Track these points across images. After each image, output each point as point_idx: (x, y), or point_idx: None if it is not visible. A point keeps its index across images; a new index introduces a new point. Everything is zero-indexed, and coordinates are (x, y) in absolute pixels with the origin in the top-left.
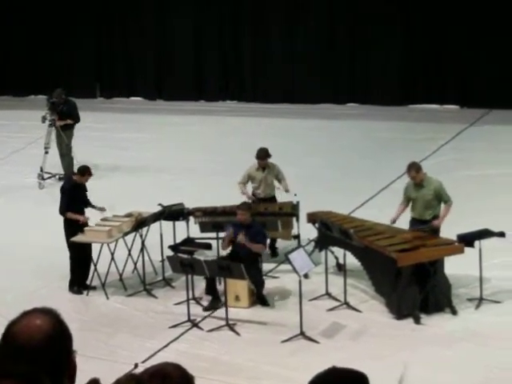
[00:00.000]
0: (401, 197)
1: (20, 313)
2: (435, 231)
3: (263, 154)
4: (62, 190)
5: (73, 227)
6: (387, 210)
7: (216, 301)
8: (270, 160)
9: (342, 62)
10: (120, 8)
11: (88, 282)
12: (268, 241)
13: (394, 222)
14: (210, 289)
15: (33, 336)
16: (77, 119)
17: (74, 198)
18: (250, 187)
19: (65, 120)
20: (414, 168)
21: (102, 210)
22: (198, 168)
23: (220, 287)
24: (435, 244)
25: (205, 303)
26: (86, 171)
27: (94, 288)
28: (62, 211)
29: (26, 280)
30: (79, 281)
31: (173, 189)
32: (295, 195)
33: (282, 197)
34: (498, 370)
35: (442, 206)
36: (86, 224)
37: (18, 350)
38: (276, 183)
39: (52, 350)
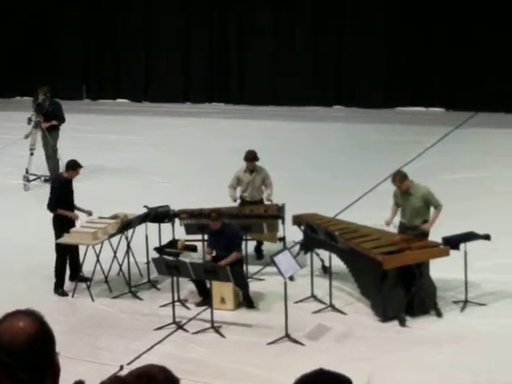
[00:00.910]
0: (386, 199)
1: (2, 315)
2: (425, 235)
3: (251, 156)
4: (52, 186)
5: (62, 227)
6: (373, 212)
7: (209, 299)
8: (260, 164)
9: (328, 64)
10: (107, 9)
11: (74, 283)
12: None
13: (388, 224)
14: (202, 291)
15: (15, 338)
16: (62, 120)
17: (63, 196)
18: (239, 190)
19: (50, 121)
20: (398, 178)
21: (89, 213)
22: (184, 170)
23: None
24: (421, 246)
25: (190, 305)
26: (75, 164)
27: (89, 279)
28: (52, 208)
29: (10, 282)
30: (64, 282)
31: (159, 190)
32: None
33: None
34: (484, 373)
35: (432, 210)
36: (73, 221)
37: (1, 352)
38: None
39: (35, 351)
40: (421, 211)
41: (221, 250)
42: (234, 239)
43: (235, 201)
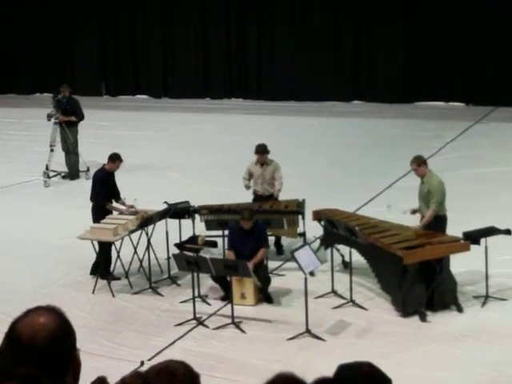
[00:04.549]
0: (407, 194)
1: (24, 311)
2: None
3: (261, 150)
4: (94, 180)
5: (103, 217)
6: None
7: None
8: (275, 158)
9: (348, 59)
10: (126, 6)
11: (95, 281)
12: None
13: (413, 212)
14: (224, 286)
15: (36, 334)
16: (81, 117)
17: (105, 188)
18: (252, 183)
19: (69, 117)
20: (415, 161)
21: (132, 207)
22: (203, 165)
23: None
24: (441, 241)
25: (211, 301)
26: (116, 157)
27: (119, 278)
28: (100, 201)
29: (30, 278)
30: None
31: (179, 186)
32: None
33: (282, 195)
34: (505, 368)
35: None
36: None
37: (22, 349)
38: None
39: (56, 347)
40: (426, 201)
41: (249, 247)
42: (262, 235)
43: (248, 188)
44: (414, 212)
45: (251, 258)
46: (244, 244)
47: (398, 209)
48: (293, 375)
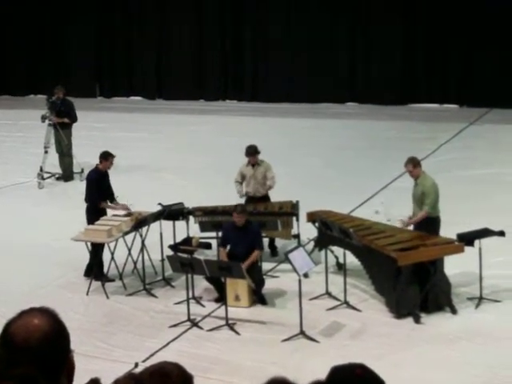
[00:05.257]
0: (401, 196)
1: (17, 312)
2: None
3: (251, 151)
4: (88, 180)
5: (97, 217)
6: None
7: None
8: (269, 160)
9: (343, 61)
10: (120, 7)
11: (89, 283)
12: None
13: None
14: (218, 287)
15: (30, 335)
16: (74, 119)
17: (100, 189)
18: (244, 186)
19: (62, 118)
20: (411, 163)
21: (126, 208)
22: (197, 167)
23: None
24: (435, 243)
25: (205, 302)
26: (108, 155)
27: (113, 280)
28: (94, 201)
29: (25, 279)
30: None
31: (173, 188)
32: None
33: (275, 196)
34: (499, 370)
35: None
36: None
37: (16, 350)
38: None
39: (50, 349)
40: (420, 203)
41: (242, 246)
42: (256, 237)
43: (242, 197)
44: (410, 218)
45: (244, 259)
46: (237, 243)
47: (384, 212)
48: (285, 380)
